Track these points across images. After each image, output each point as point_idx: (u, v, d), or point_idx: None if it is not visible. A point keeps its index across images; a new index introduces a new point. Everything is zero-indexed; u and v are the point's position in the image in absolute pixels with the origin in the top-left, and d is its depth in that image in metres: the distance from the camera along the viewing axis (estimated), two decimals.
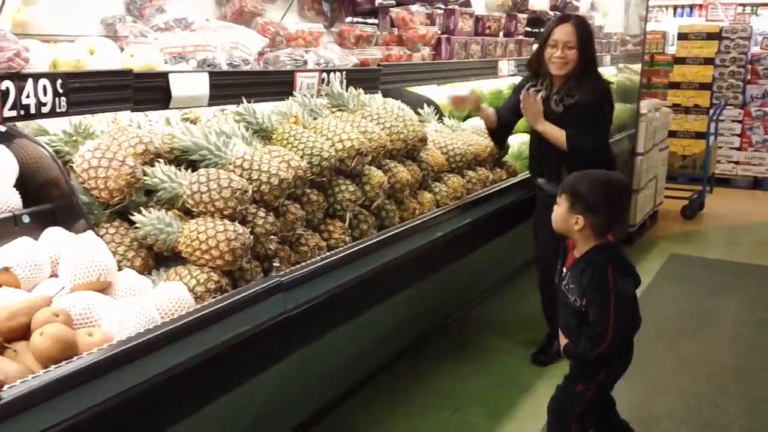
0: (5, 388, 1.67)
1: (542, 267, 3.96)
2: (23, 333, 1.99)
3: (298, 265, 2.71)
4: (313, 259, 2.79)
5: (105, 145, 2.55)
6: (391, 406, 3.52)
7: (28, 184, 2.51)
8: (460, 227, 3.66)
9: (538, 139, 3.91)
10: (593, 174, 2.67)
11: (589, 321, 2.52)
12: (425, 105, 4.46)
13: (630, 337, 2.65)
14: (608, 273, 2.49)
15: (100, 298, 2.19)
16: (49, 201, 2.50)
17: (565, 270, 2.67)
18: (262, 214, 2.63)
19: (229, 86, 3.02)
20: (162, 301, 2.24)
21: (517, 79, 4.40)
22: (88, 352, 1.93)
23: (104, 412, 1.86)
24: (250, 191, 2.58)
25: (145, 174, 2.56)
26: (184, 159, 2.76)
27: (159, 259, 2.57)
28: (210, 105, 2.94)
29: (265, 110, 3.18)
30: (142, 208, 2.51)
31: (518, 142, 4.84)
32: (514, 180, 4.44)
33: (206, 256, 2.42)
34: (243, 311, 2.33)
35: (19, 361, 1.90)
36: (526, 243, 4.20)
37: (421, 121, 3.96)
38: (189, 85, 2.78)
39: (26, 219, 2.41)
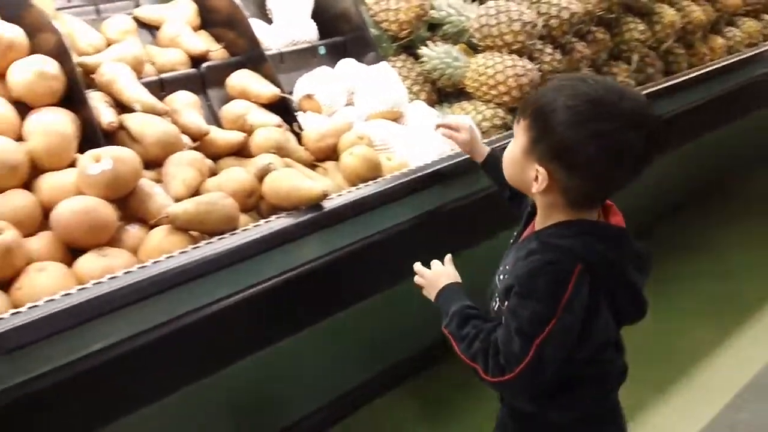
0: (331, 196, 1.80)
1: None
2: (330, 154, 2.12)
3: None
4: None
5: None
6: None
7: (321, 16, 2.59)
8: (756, 77, 3.26)
9: None
10: (583, 82, 1.26)
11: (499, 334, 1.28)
12: None
13: (607, 394, 1.39)
14: (569, 278, 1.22)
15: (395, 127, 2.26)
16: (341, 34, 2.57)
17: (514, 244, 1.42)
18: (549, 50, 2.51)
19: None
20: None
21: None
22: (391, 174, 2.02)
23: (404, 231, 1.95)
24: (540, 25, 2.45)
25: (432, 7, 2.53)
26: None
27: (440, 95, 2.58)
28: None
29: None
30: (429, 42, 2.50)
31: None
32: None
33: (492, 92, 2.38)
34: None
35: (329, 178, 2.04)
36: None
37: None
38: None
39: (322, 50, 2.51)
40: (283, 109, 2.20)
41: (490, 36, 2.42)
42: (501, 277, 1.37)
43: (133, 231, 1.71)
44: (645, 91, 2.73)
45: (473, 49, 2.51)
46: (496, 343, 1.26)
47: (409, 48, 2.57)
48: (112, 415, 1.52)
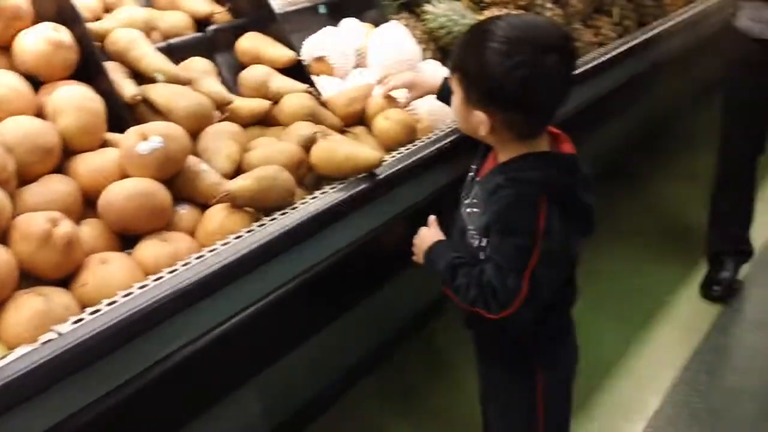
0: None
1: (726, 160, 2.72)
2: (358, 118, 2.03)
3: None
4: (588, 56, 2.67)
5: None
6: None
7: None
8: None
9: None
10: (490, 24, 1.35)
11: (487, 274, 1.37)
12: None
13: (562, 312, 1.55)
14: (539, 207, 1.32)
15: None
16: None
17: (476, 178, 1.50)
18: (549, 5, 2.50)
19: None
20: None
21: None
22: (427, 137, 1.95)
23: (441, 194, 1.90)
24: None
25: None
26: None
27: (443, 54, 2.52)
28: None
29: None
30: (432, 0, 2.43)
31: None
32: None
33: None
34: None
35: (361, 143, 1.95)
36: None
37: None
38: None
39: (322, 9, 2.39)
40: (296, 73, 2.09)
41: None
42: (468, 210, 1.47)
43: (184, 212, 1.58)
44: (625, 46, 2.78)
45: (478, 5, 2.47)
46: (489, 284, 1.35)
47: (408, 6, 2.49)
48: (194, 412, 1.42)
